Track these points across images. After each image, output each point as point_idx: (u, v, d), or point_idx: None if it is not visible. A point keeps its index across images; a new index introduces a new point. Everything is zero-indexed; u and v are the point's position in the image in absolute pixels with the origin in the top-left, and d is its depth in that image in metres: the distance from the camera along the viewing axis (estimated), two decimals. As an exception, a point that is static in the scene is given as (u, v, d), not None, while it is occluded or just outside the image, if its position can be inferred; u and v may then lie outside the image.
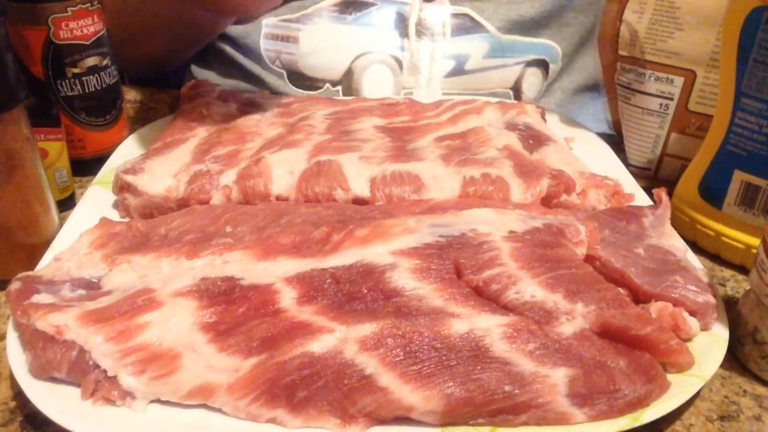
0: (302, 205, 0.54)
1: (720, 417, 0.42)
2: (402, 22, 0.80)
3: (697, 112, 0.64)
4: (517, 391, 0.38)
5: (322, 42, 0.81)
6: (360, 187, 0.56)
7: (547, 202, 0.56)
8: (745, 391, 0.44)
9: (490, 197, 0.55)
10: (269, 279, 0.43)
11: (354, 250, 0.45)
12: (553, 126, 0.72)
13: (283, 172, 0.56)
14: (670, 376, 0.41)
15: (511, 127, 0.66)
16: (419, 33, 0.80)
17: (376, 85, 0.81)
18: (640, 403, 0.39)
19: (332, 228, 0.47)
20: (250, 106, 0.70)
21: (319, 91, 0.82)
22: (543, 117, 0.71)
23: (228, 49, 0.85)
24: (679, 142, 0.66)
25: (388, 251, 0.44)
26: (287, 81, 0.83)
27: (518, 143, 0.63)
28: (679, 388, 0.40)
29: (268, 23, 0.82)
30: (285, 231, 0.48)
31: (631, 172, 0.65)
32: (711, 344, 0.43)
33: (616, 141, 0.72)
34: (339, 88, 0.82)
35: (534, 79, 0.84)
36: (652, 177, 0.69)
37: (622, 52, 0.66)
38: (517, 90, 0.84)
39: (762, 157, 0.52)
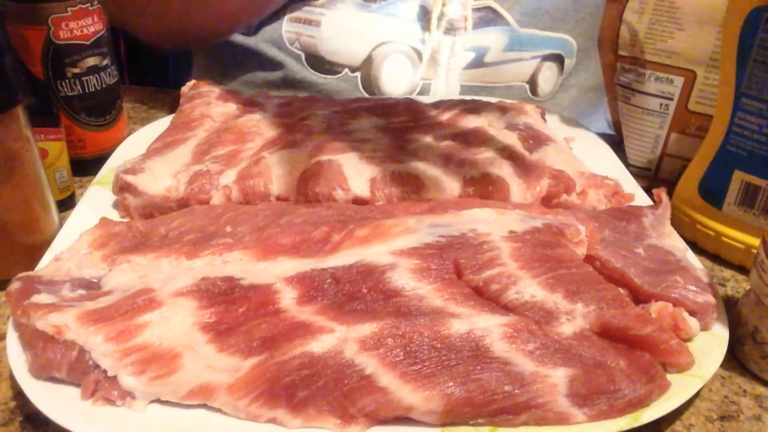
0: (302, 205, 0.54)
1: (720, 417, 0.42)
2: (425, 14, 0.81)
3: (697, 112, 0.64)
4: (517, 391, 0.38)
5: (344, 27, 0.81)
6: (360, 187, 0.56)
7: (547, 202, 0.56)
8: (745, 391, 0.44)
9: (490, 197, 0.55)
10: (269, 279, 0.43)
11: (354, 250, 0.45)
12: (553, 126, 0.72)
13: (283, 172, 0.56)
14: (670, 376, 0.41)
15: (511, 127, 0.66)
16: (441, 26, 0.81)
17: (394, 74, 0.82)
18: (640, 403, 0.39)
19: (332, 228, 0.47)
20: (250, 106, 0.70)
21: (337, 76, 0.83)
22: (543, 117, 0.71)
23: (249, 39, 0.85)
24: (679, 142, 0.66)
25: (388, 251, 0.44)
26: (305, 64, 0.83)
27: (518, 143, 0.63)
28: (679, 388, 0.40)
29: (294, 8, 0.83)
30: (285, 231, 0.48)
31: (631, 172, 0.65)
32: (711, 344, 0.43)
33: (616, 141, 0.72)
34: (357, 74, 0.83)
35: (550, 74, 0.85)
36: (652, 177, 0.69)
37: (622, 52, 0.66)
38: (532, 84, 0.85)
39: (762, 157, 0.52)
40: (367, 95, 0.83)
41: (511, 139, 0.63)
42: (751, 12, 0.50)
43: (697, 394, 0.43)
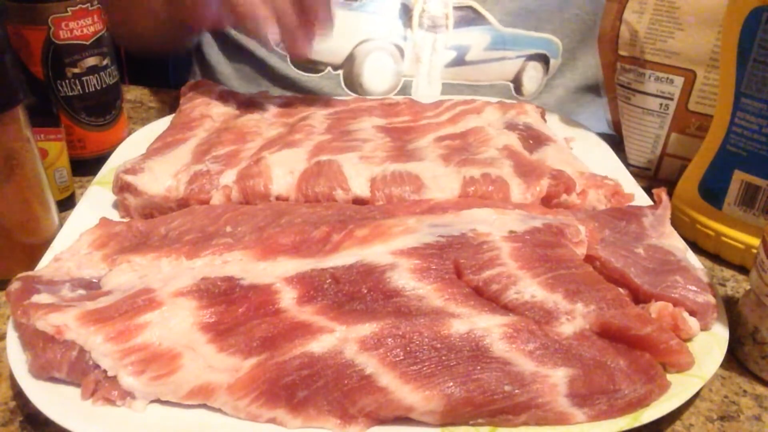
0: (302, 205, 0.54)
1: (720, 417, 0.42)
2: (406, 12, 0.81)
3: (697, 112, 0.64)
4: (517, 391, 0.38)
5: None
6: (360, 187, 0.56)
7: (547, 202, 0.56)
8: (745, 391, 0.44)
9: (490, 197, 0.55)
10: (269, 279, 0.43)
11: (354, 250, 0.45)
12: (553, 126, 0.72)
13: (283, 172, 0.56)
14: (670, 376, 0.41)
15: (511, 127, 0.66)
16: (422, 24, 0.81)
17: (376, 72, 0.82)
18: (640, 403, 0.39)
19: (332, 228, 0.47)
20: (250, 106, 0.70)
21: (320, 74, 0.83)
22: (543, 117, 0.71)
23: (233, 32, 0.86)
24: (679, 142, 0.66)
25: (388, 251, 0.44)
26: (290, 63, 0.84)
27: (518, 143, 0.63)
28: (679, 388, 0.40)
29: None
30: (285, 231, 0.48)
31: (631, 172, 0.65)
32: (711, 344, 0.43)
33: (616, 141, 0.72)
34: (340, 72, 0.83)
35: (534, 73, 0.85)
36: (652, 177, 0.69)
37: (622, 52, 0.66)
38: (517, 83, 0.85)
39: (762, 157, 0.52)
40: (350, 92, 0.83)
41: (511, 139, 0.63)
42: (751, 12, 0.50)
43: (697, 394, 0.43)
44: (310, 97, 0.75)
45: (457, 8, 0.81)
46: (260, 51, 0.85)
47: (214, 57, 0.89)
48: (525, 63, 0.84)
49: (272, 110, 0.70)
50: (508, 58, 0.84)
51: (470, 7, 0.82)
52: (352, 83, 0.83)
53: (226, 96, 0.71)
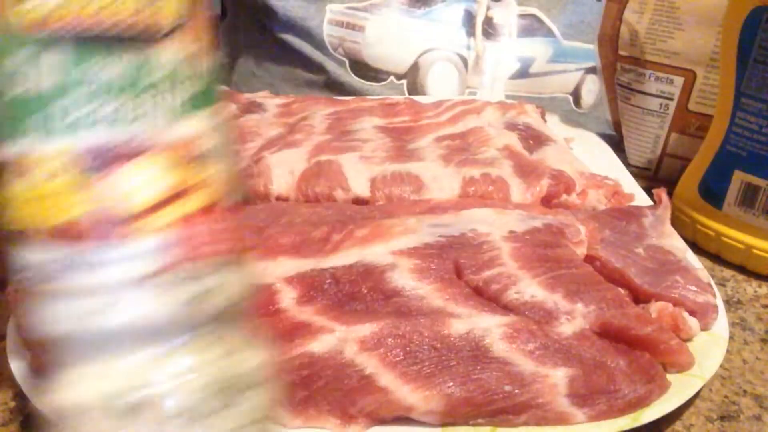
0: (302, 205, 0.54)
1: (720, 417, 0.42)
2: (469, 20, 0.80)
3: (697, 112, 0.64)
4: (517, 391, 0.38)
5: (389, 33, 0.80)
6: (360, 187, 0.56)
7: (547, 202, 0.56)
8: (745, 391, 0.44)
9: (490, 197, 0.55)
10: (269, 279, 0.43)
11: (354, 250, 0.45)
12: (553, 126, 0.72)
13: (283, 172, 0.56)
14: (670, 376, 0.41)
15: (511, 127, 0.66)
16: (486, 32, 0.80)
17: (441, 82, 0.81)
18: (640, 403, 0.39)
19: (332, 228, 0.47)
20: (250, 106, 0.70)
21: (382, 83, 0.82)
22: (543, 117, 0.71)
23: (287, 35, 0.84)
24: (679, 142, 0.66)
25: (388, 251, 0.44)
26: (349, 70, 0.82)
27: (518, 143, 0.63)
28: (679, 388, 0.40)
29: (333, 9, 0.81)
30: (285, 231, 0.47)
31: (631, 172, 0.65)
32: (711, 344, 0.43)
33: (616, 141, 0.72)
34: (404, 82, 0.82)
35: (592, 86, 0.85)
36: (652, 177, 0.69)
37: (622, 52, 0.66)
38: (576, 96, 0.85)
39: (762, 157, 0.52)
40: None
41: (511, 139, 0.63)
42: (751, 12, 0.50)
43: (697, 394, 0.42)
44: (310, 97, 0.75)
45: (520, 16, 0.80)
46: (316, 55, 0.82)
47: (261, 59, 0.87)
48: (584, 76, 0.84)
49: (272, 110, 0.70)
50: (569, 70, 0.83)
51: (534, 16, 0.81)
52: (416, 93, 0.82)
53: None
